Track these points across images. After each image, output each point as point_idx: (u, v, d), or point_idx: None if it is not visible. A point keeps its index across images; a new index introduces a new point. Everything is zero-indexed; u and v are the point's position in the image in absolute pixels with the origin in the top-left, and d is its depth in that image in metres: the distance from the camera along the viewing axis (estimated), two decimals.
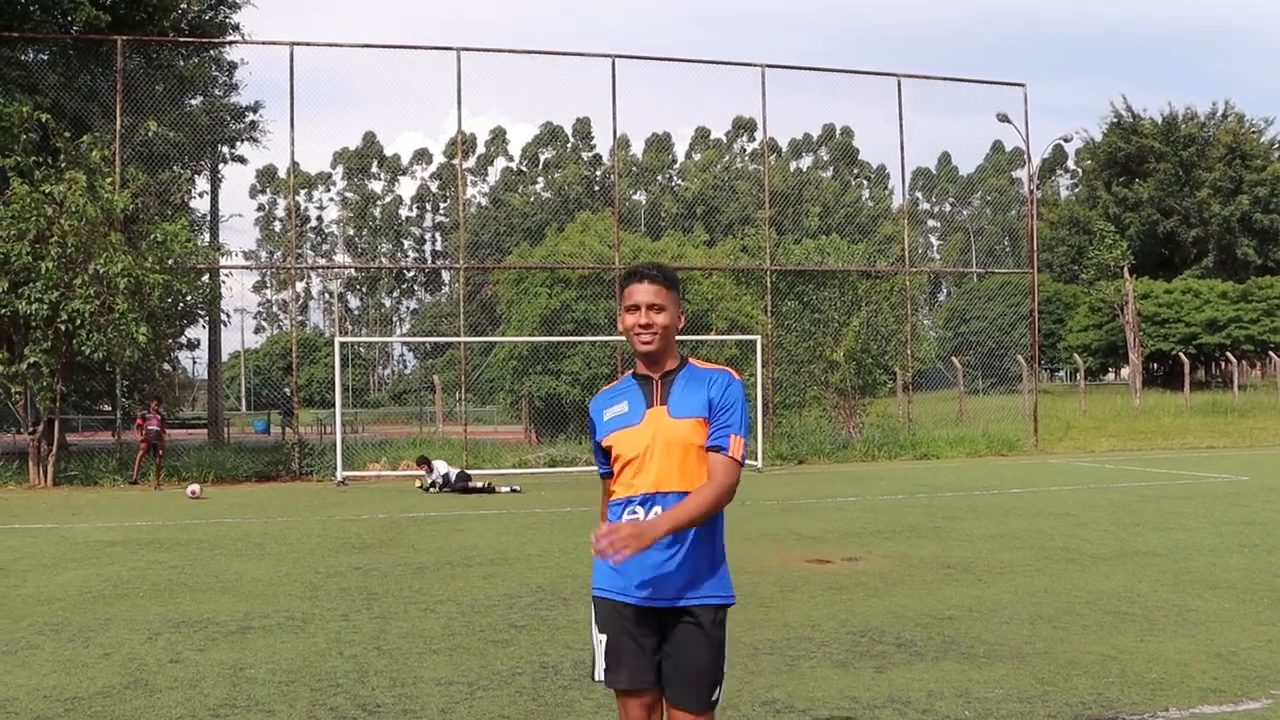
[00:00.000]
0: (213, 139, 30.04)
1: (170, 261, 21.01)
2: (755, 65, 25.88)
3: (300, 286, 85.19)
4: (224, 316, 28.47)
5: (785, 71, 26.88)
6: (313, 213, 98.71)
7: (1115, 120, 66.85)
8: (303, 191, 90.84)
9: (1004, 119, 28.23)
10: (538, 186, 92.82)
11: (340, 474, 20.74)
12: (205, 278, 23.55)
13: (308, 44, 23.52)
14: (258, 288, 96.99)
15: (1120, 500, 15.21)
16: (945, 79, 28.63)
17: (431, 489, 18.35)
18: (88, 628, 7.63)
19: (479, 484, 18.40)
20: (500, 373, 31.71)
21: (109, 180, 20.70)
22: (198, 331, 30.00)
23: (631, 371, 3.61)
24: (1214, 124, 65.47)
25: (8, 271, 19.12)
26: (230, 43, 29.22)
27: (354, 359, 75.38)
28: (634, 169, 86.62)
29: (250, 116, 31.26)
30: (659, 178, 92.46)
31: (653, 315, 3.43)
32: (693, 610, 3.38)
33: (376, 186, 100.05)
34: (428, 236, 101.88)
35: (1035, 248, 29.35)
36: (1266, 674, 6.01)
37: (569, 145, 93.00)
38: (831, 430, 26.02)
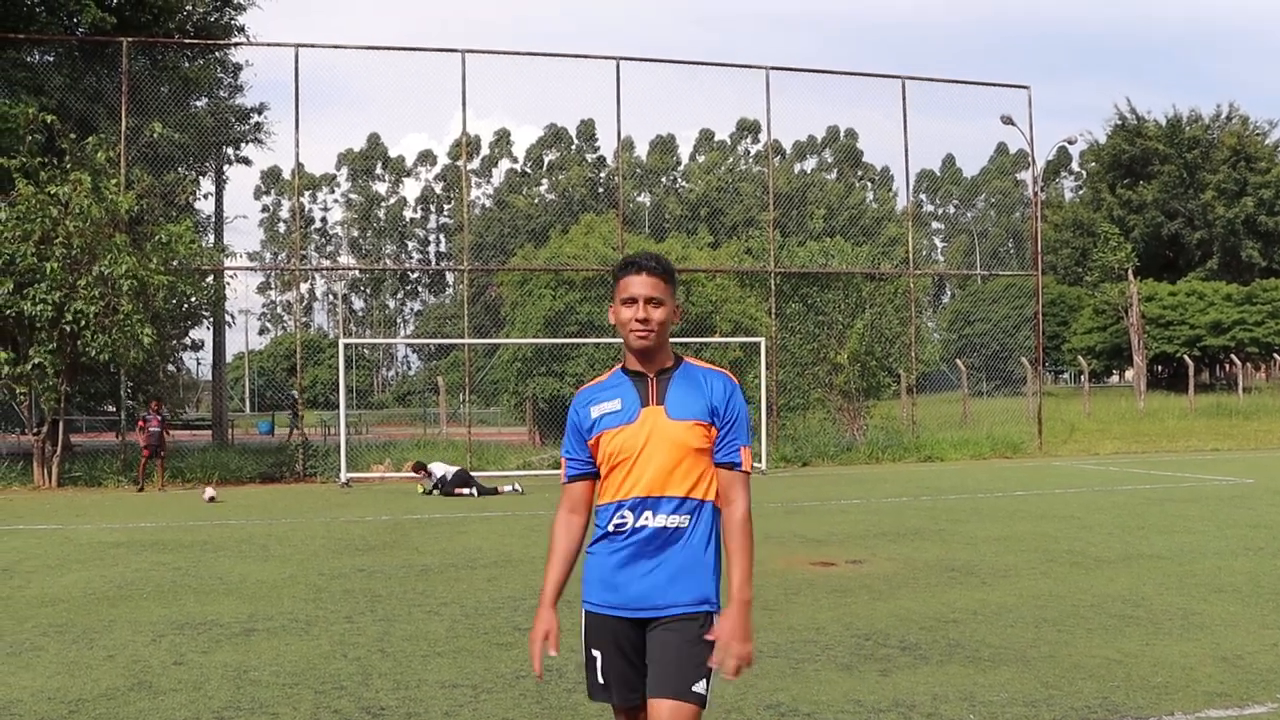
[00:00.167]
0: (217, 140, 30.03)
1: (175, 263, 21.03)
2: (760, 67, 25.88)
3: (304, 288, 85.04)
4: (228, 318, 28.53)
5: (789, 74, 26.87)
6: (317, 214, 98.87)
7: (1119, 122, 66.79)
8: (307, 193, 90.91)
9: (1008, 121, 28.22)
10: (542, 188, 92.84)
11: (344, 475, 20.74)
12: (210, 279, 23.59)
13: (312, 45, 23.54)
14: (262, 289, 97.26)
15: (1125, 503, 15.19)
16: (949, 81, 28.56)
17: (433, 492, 18.34)
18: (92, 629, 7.64)
19: (467, 490, 18.29)
20: (504, 374, 31.70)
21: (114, 181, 20.73)
22: (202, 333, 30.08)
23: (621, 366, 3.42)
24: (1218, 126, 65.40)
25: (13, 272, 19.16)
26: (235, 44, 29.24)
27: (358, 360, 75.41)
28: (638, 171, 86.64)
29: (255, 118, 31.28)
30: (663, 179, 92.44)
31: (650, 309, 3.27)
32: (680, 618, 3.20)
33: (381, 188, 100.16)
34: (432, 238, 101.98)
35: (1039, 250, 29.33)
36: (1272, 678, 6.00)
37: (573, 147, 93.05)
38: (835, 433, 26.00)
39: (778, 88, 26.03)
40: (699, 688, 3.16)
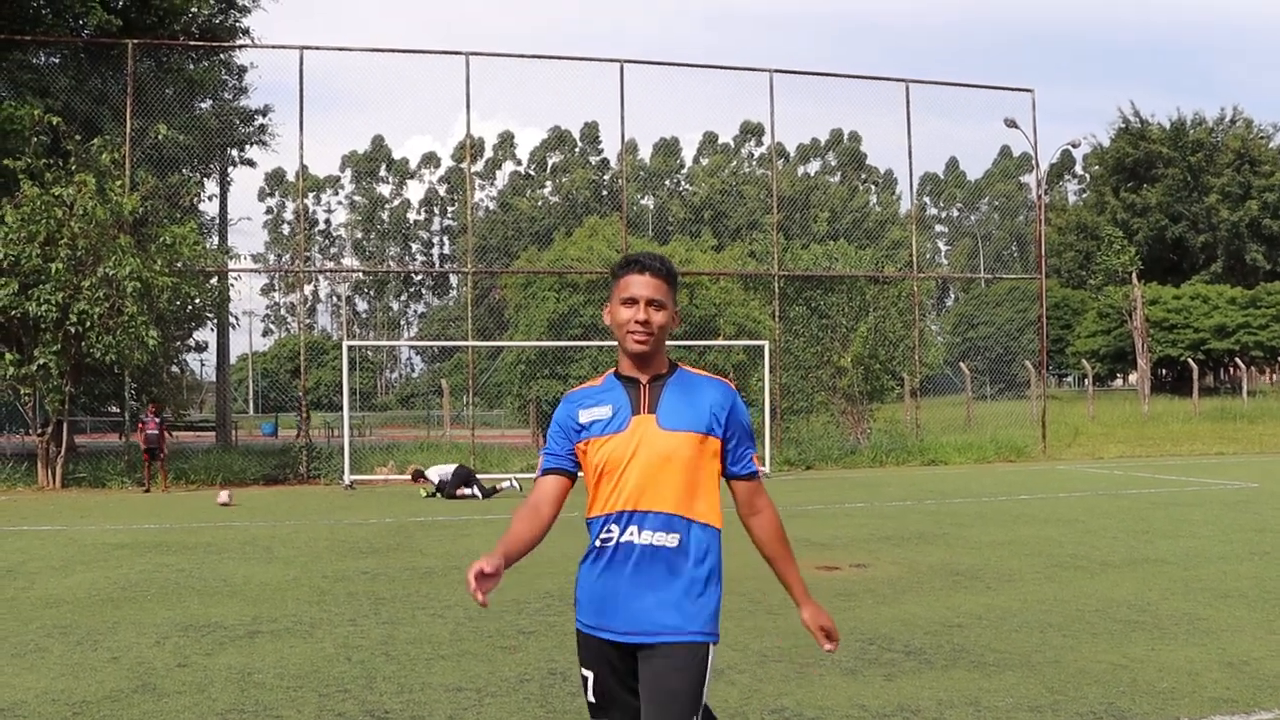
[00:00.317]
0: (222, 142, 30.09)
1: (179, 264, 21.08)
2: (763, 70, 25.92)
3: (308, 289, 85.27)
4: (232, 319, 28.55)
5: (793, 76, 26.94)
6: (321, 216, 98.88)
7: (1123, 125, 66.78)
8: (311, 195, 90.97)
9: (1012, 124, 28.23)
10: (545, 191, 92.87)
11: (348, 477, 20.76)
12: (214, 280, 23.63)
13: (317, 48, 23.65)
14: (266, 290, 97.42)
15: (1129, 507, 15.17)
16: (953, 84, 28.62)
17: (436, 495, 18.34)
18: (96, 631, 7.64)
19: (469, 490, 18.31)
20: (508, 377, 31.74)
21: (119, 183, 20.79)
22: (206, 334, 30.09)
23: (614, 371, 3.25)
24: (1222, 129, 65.37)
25: (18, 273, 19.20)
26: (240, 46, 29.30)
27: (361, 362, 75.43)
28: (642, 173, 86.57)
29: (259, 120, 31.34)
30: (667, 182, 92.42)
31: (651, 312, 3.10)
32: (673, 645, 3.01)
33: (384, 190, 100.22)
34: (435, 240, 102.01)
35: (1043, 253, 29.32)
36: (1279, 683, 5.98)
37: (577, 149, 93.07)
38: (839, 436, 26.01)
39: (781, 90, 26.11)
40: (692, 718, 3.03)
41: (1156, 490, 17.75)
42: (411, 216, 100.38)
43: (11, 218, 19.20)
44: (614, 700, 3.12)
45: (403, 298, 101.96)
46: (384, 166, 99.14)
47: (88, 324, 19.30)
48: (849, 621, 7.65)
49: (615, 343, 3.19)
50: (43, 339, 19.54)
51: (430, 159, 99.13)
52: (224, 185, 32.41)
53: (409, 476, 19.98)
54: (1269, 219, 61.37)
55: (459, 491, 18.18)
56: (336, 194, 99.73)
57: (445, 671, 6.43)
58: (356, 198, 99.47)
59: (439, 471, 18.80)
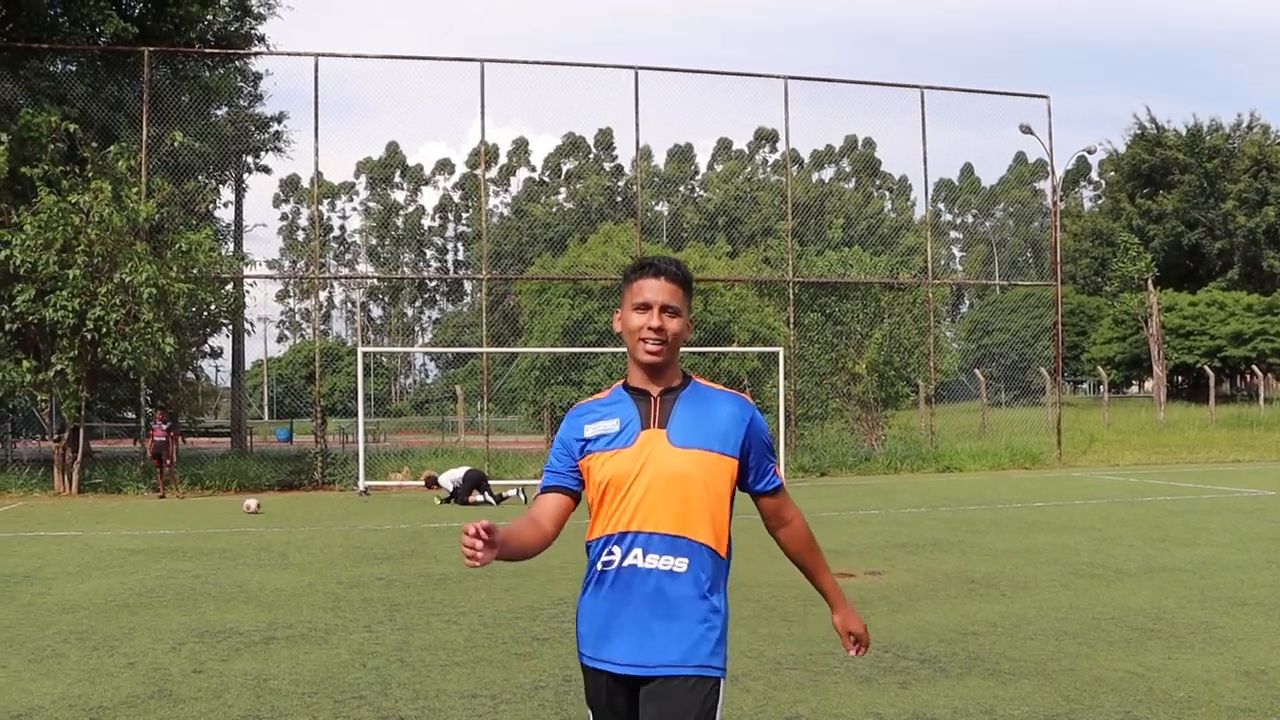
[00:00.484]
0: (237, 149, 30.25)
1: (195, 270, 21.16)
2: (777, 77, 25.96)
3: (323, 295, 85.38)
4: (247, 325, 28.69)
5: (807, 83, 26.96)
6: (336, 222, 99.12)
7: (1139, 132, 66.57)
8: (326, 201, 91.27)
9: (1027, 130, 28.17)
10: (560, 197, 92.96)
11: (362, 483, 20.79)
12: (229, 287, 23.73)
13: (332, 55, 23.76)
14: (281, 297, 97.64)
15: (1145, 515, 15.09)
16: (968, 90, 28.67)
17: (450, 501, 18.37)
18: (112, 636, 7.67)
19: (481, 497, 18.34)
20: (522, 383, 31.80)
21: (135, 190, 20.90)
22: (221, 340, 30.25)
23: (623, 382, 2.99)
24: (1239, 135, 65.11)
25: (35, 280, 19.30)
26: (255, 54, 29.45)
27: (376, 368, 75.56)
28: (656, 180, 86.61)
29: (275, 127, 31.52)
30: (681, 189, 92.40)
31: (666, 319, 2.87)
32: (674, 680, 2.77)
33: (399, 196, 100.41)
34: (450, 246, 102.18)
35: (1059, 260, 29.23)
36: None
37: (591, 156, 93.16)
38: (854, 442, 25.96)
39: (796, 97, 26.13)
40: None
41: (1173, 498, 17.67)
42: (426, 223, 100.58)
43: (29, 225, 19.33)
44: None
45: (417, 304, 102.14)
46: (399, 173, 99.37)
47: (104, 330, 19.40)
48: None
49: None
50: (60, 345, 19.65)
51: (445, 165, 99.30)
52: (239, 192, 32.60)
53: (423, 483, 20.01)
54: None
55: (472, 498, 18.21)
56: (351, 200, 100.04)
57: (460, 678, 6.43)
58: (371, 204, 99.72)
59: (450, 477, 18.83)
